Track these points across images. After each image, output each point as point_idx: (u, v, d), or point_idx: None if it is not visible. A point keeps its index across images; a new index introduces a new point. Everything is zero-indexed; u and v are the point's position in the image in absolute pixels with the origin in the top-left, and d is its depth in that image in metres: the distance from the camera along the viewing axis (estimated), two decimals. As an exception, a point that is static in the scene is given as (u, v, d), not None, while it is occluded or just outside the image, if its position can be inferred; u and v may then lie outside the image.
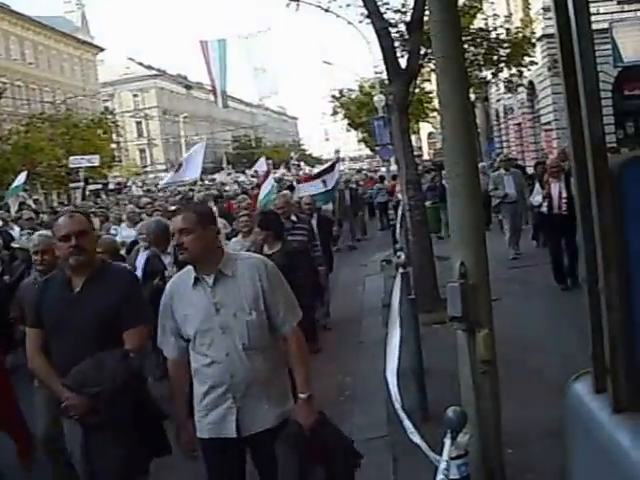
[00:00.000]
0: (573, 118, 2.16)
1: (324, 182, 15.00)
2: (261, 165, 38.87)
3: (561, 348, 7.22)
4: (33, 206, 29.82)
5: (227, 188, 27.34)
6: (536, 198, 11.78)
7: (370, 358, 8.55)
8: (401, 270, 7.43)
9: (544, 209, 10.87)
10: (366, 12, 11.93)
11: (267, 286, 3.90)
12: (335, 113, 48.75)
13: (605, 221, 2.05)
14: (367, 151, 55.09)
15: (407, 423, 4.88)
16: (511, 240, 14.55)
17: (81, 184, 26.34)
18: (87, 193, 44.21)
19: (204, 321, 3.86)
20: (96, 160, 30.00)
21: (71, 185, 45.34)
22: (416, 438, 4.58)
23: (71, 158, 29.25)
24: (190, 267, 3.97)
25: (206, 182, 45.82)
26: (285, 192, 13.61)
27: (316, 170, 21.08)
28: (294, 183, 22.04)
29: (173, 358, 4.10)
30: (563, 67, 2.22)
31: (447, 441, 3.30)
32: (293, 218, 10.23)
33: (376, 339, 8.54)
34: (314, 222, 11.38)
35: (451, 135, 4.19)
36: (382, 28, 11.32)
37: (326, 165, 17.19)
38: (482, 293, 4.07)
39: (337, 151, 49.57)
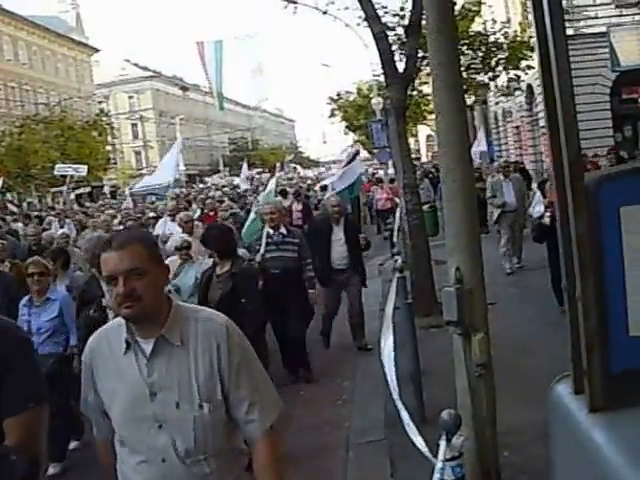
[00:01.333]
0: (553, 138, 2.26)
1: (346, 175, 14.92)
2: (244, 171, 39.42)
3: (557, 351, 7.08)
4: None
5: (211, 193, 25.71)
6: (537, 208, 10.89)
7: (368, 362, 8.71)
8: (397, 274, 7.49)
9: (546, 220, 9.68)
10: (364, 15, 11.91)
11: (227, 366, 2.72)
12: (333, 115, 48.77)
13: (581, 233, 2.19)
14: (365, 154, 55.07)
15: (411, 426, 4.93)
16: (506, 253, 13.55)
17: (64, 188, 25.87)
18: (72, 197, 43.92)
19: (134, 407, 2.72)
20: (83, 170, 29.23)
21: (53, 190, 45.11)
22: (418, 440, 4.63)
23: (57, 166, 28.39)
24: (121, 321, 2.76)
25: (200, 185, 45.85)
26: (275, 199, 13.18)
27: (334, 168, 19.90)
28: (287, 188, 21.90)
29: (101, 439, 3.05)
30: (544, 90, 2.32)
31: (442, 443, 3.37)
32: (282, 230, 9.09)
33: (374, 343, 8.53)
34: (340, 229, 9.91)
35: (446, 141, 4.24)
36: (379, 32, 11.35)
37: (348, 158, 16.00)
38: (478, 297, 4.13)
39: (355, 141, 49.09)
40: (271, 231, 9.08)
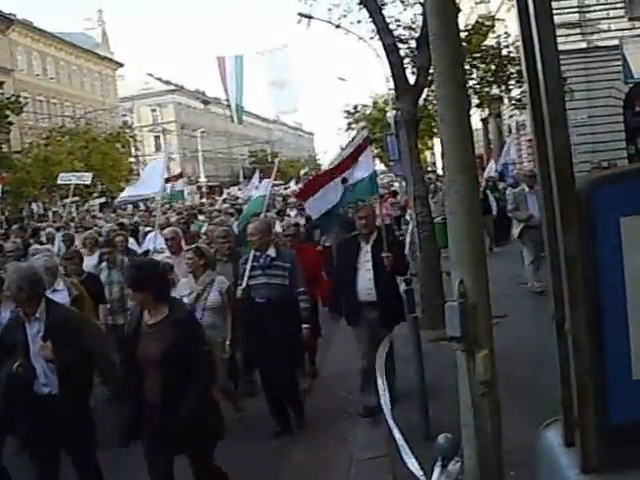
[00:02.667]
0: (539, 136, 1.99)
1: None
2: (255, 180, 38.36)
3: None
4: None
5: (220, 205, 25.94)
6: None
7: None
8: (405, 287, 7.57)
9: None
10: (375, 28, 11.88)
11: None
12: (349, 129, 49.00)
13: (571, 251, 1.82)
14: (382, 167, 55.08)
15: (405, 447, 4.86)
16: (533, 271, 12.43)
17: (68, 200, 25.51)
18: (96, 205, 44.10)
19: None
20: (88, 178, 28.54)
21: (64, 201, 45.45)
22: (412, 462, 4.57)
23: (61, 174, 27.78)
24: None
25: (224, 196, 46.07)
26: (269, 214, 12.37)
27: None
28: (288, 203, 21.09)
29: None
30: (529, 88, 2.05)
31: (437, 469, 3.28)
32: (270, 252, 7.74)
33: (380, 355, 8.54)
34: (368, 247, 7.83)
35: (450, 151, 4.04)
36: (390, 44, 11.42)
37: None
38: (482, 312, 3.92)
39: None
40: (257, 253, 7.78)
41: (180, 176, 29.41)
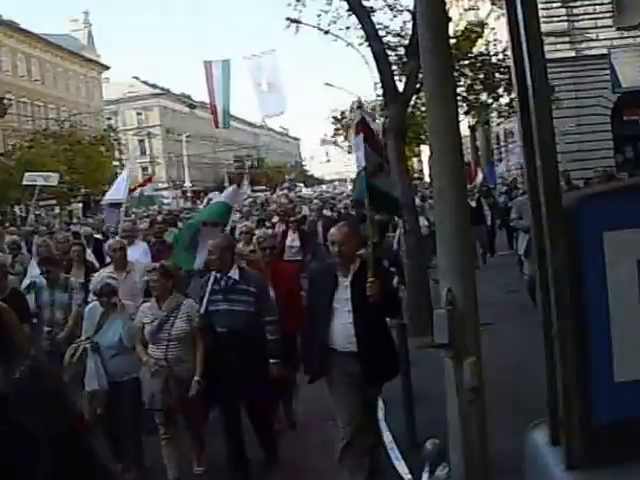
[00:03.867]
0: (528, 158, 2.06)
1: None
2: (244, 187, 37.94)
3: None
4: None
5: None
6: None
7: None
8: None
9: None
10: (365, 35, 11.97)
11: None
12: (336, 135, 48.88)
13: (559, 263, 1.94)
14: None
15: (395, 452, 4.94)
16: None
17: (32, 202, 24.44)
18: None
19: None
20: (54, 179, 27.48)
21: (28, 203, 44.95)
22: (401, 466, 4.65)
23: (26, 175, 26.70)
24: None
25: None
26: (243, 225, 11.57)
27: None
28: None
29: None
30: (518, 95, 2.15)
31: (425, 475, 3.34)
32: (233, 274, 6.60)
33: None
34: (346, 282, 5.83)
35: (439, 160, 4.06)
36: (380, 51, 11.42)
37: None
38: (470, 320, 3.94)
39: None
40: (217, 274, 6.66)
41: (149, 181, 28.37)
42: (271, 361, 6.64)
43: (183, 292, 7.12)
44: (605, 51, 25.69)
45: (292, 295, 7.46)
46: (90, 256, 11.04)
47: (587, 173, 20.00)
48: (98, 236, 15.63)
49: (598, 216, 1.94)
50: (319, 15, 14.78)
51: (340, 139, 48.91)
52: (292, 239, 13.30)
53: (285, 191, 57.93)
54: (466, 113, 22.74)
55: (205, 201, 35.94)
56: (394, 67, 13.31)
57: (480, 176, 24.52)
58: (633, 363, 1.96)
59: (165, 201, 64.18)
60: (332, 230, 5.92)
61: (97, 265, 10.28)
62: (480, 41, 21.06)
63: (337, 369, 5.77)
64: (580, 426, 1.95)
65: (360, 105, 7.56)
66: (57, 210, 48.89)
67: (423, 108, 24.15)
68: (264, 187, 74.23)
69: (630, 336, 1.95)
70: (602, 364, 1.95)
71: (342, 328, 5.70)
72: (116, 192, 14.22)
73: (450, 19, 9.54)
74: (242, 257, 10.71)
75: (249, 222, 15.57)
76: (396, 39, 15.05)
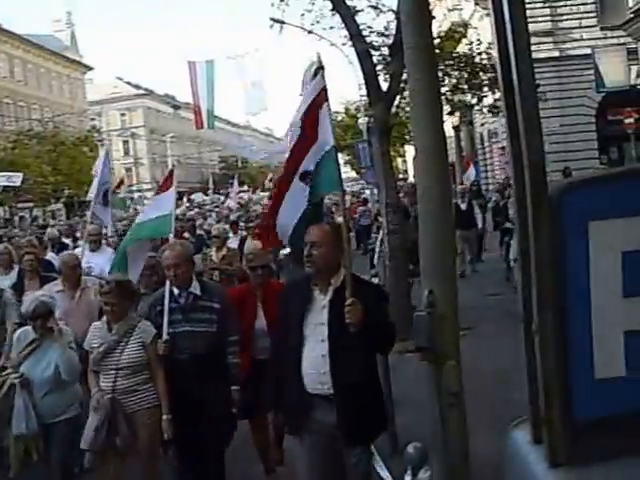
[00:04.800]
0: (513, 143, 1.98)
1: None
2: (235, 189, 37.25)
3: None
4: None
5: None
6: None
7: None
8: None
9: None
10: (348, 34, 11.91)
11: None
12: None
13: (541, 254, 1.87)
14: (353, 174, 54.88)
15: (378, 460, 4.82)
16: None
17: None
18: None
19: None
20: (18, 179, 26.91)
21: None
22: (385, 474, 4.58)
23: None
24: None
25: (186, 204, 45.43)
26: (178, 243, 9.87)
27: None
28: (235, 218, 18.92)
29: None
30: (503, 86, 2.05)
31: (407, 478, 3.30)
32: (194, 289, 5.62)
33: None
34: (325, 301, 4.53)
35: (423, 159, 3.99)
36: (363, 50, 11.40)
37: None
38: (450, 323, 3.88)
39: (345, 162, 41.05)
40: (175, 290, 5.64)
41: (121, 183, 27.65)
42: (232, 388, 5.64)
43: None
44: (589, 51, 25.80)
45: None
46: (55, 259, 9.70)
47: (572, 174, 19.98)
48: (67, 240, 15.02)
49: (583, 205, 1.87)
50: (303, 15, 14.70)
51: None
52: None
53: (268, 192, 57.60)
54: (450, 113, 22.74)
55: (186, 203, 35.72)
56: (378, 67, 13.24)
57: (473, 172, 24.05)
58: (615, 360, 1.91)
59: (146, 202, 63.98)
60: (310, 229, 4.60)
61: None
62: (464, 41, 21.09)
63: (307, 420, 4.41)
64: (562, 423, 1.91)
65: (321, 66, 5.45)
66: (35, 212, 48.65)
67: (408, 108, 24.21)
68: (246, 188, 74.01)
69: (612, 332, 1.90)
70: (583, 360, 1.89)
71: (313, 362, 4.36)
72: (101, 179, 11.34)
73: (434, 17, 9.50)
74: (216, 270, 10.22)
75: (221, 225, 14.45)
76: (380, 39, 14.85)
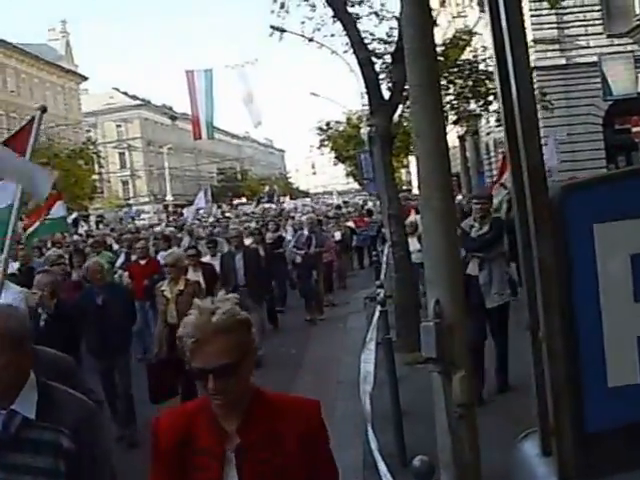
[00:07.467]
0: (511, 144, 1.93)
1: None
2: (200, 199, 35.24)
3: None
4: None
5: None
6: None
7: (348, 399, 8.36)
8: (379, 308, 7.25)
9: None
10: (349, 42, 11.82)
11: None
12: (322, 146, 48.45)
13: (545, 258, 1.82)
14: (356, 185, 54.79)
15: (383, 469, 4.81)
16: None
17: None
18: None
19: None
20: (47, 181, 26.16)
21: None
22: None
23: None
24: None
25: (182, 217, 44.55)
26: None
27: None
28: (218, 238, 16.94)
29: None
30: (500, 87, 1.99)
31: None
32: (21, 406, 2.74)
33: (355, 379, 8.12)
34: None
35: (426, 167, 3.79)
36: (365, 58, 11.38)
37: None
38: (458, 333, 3.72)
39: (347, 174, 41.39)
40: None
41: (58, 197, 24.08)
42: None
43: None
44: (596, 59, 25.77)
45: None
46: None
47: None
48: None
49: (587, 207, 1.84)
50: (303, 22, 14.68)
51: (326, 150, 48.37)
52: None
53: (265, 205, 57.03)
54: (455, 122, 22.28)
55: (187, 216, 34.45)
56: (380, 75, 13.25)
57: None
58: (627, 366, 1.87)
59: (145, 215, 63.39)
60: None
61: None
62: (468, 48, 20.84)
63: None
64: (572, 434, 1.86)
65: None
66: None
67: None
68: (245, 201, 73.54)
69: (624, 337, 1.87)
70: (595, 367, 1.86)
71: None
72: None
73: (436, 23, 9.18)
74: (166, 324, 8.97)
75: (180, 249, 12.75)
76: (382, 46, 15.00)
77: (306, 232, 16.00)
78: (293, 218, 24.37)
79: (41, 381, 2.93)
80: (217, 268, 11.95)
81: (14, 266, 13.41)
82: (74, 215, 41.60)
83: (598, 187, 1.90)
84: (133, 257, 13.23)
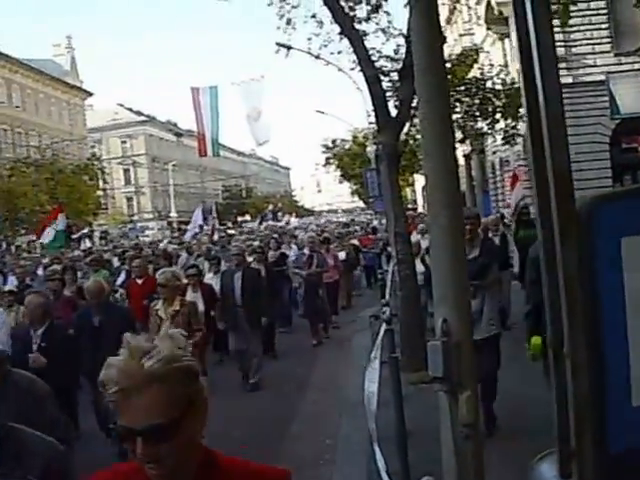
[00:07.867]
0: (536, 151, 1.84)
1: None
2: (197, 216, 33.72)
3: (550, 412, 6.62)
4: None
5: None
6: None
7: (353, 419, 8.35)
8: (385, 327, 7.17)
9: None
10: (357, 59, 11.78)
11: None
12: (328, 164, 48.37)
13: (571, 271, 1.77)
14: (361, 203, 54.70)
15: None
16: None
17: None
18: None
19: None
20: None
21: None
22: None
23: None
24: None
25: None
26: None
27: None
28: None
29: None
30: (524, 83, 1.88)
31: None
32: None
33: (360, 399, 8.05)
34: None
35: (434, 184, 3.71)
36: (372, 76, 11.35)
37: None
38: (465, 352, 3.59)
39: (352, 192, 40.62)
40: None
41: (59, 211, 23.14)
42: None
43: None
44: (603, 77, 25.60)
45: None
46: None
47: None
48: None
49: (616, 219, 1.81)
50: (310, 39, 14.48)
51: (331, 168, 48.37)
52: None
53: (269, 222, 56.69)
54: (461, 141, 22.12)
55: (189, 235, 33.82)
56: (387, 93, 13.21)
57: (521, 191, 19.44)
58: None
59: (149, 232, 63.28)
60: None
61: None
62: (475, 66, 20.71)
63: None
64: (595, 456, 1.80)
65: None
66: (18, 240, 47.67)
67: (418, 136, 23.69)
68: (249, 218, 73.42)
69: None
70: (619, 385, 1.81)
71: None
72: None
73: (446, 40, 9.01)
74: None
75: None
76: (389, 63, 15.03)
77: (307, 251, 15.79)
78: (296, 237, 23.87)
79: (6, 426, 2.81)
80: (218, 286, 11.79)
81: (13, 282, 13.35)
82: (80, 233, 41.59)
83: (627, 200, 1.86)
84: (133, 275, 12.76)
